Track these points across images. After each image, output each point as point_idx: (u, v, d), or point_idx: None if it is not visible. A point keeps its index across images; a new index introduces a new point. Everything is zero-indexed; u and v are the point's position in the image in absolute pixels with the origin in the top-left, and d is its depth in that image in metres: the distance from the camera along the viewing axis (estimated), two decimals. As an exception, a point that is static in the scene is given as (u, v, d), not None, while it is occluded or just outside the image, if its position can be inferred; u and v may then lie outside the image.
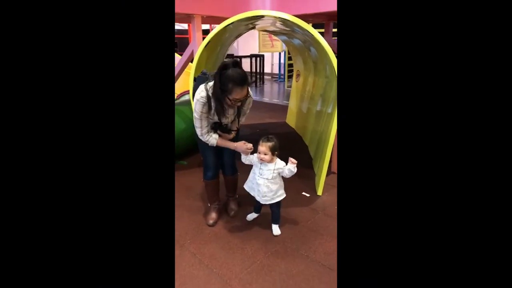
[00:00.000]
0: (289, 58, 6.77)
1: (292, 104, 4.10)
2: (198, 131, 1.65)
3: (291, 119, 4.08)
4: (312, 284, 1.40)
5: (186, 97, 3.38)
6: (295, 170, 1.62)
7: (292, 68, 5.32)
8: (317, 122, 2.79)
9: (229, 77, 1.44)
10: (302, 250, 1.65)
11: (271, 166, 1.65)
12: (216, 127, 1.71)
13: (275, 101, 5.80)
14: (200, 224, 1.88)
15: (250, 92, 1.67)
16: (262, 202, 1.73)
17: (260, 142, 1.63)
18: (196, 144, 1.83)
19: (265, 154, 1.61)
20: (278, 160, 1.67)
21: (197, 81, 1.70)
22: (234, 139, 1.80)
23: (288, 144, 3.34)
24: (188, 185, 2.36)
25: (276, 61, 8.39)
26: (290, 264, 1.54)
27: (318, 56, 2.64)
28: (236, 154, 1.83)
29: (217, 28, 2.03)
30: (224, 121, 1.69)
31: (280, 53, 7.64)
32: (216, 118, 1.65)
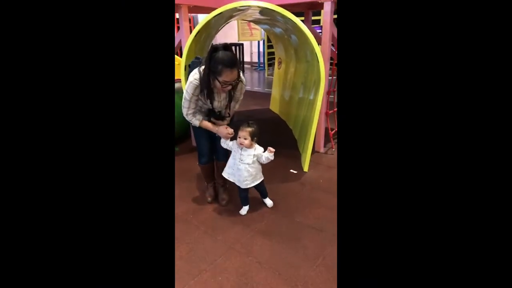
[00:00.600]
0: (269, 47, 6.89)
1: (275, 92, 4.28)
2: (184, 111, 1.71)
3: (274, 105, 4.27)
4: (304, 242, 1.62)
5: (176, 85, 3.46)
6: (272, 157, 1.74)
7: (272, 56, 5.47)
8: (300, 107, 2.99)
9: (218, 59, 1.49)
10: (295, 216, 1.86)
11: (251, 151, 1.75)
12: (209, 114, 1.78)
13: (256, 89, 5.95)
14: (200, 203, 2.04)
15: (243, 78, 1.72)
16: (242, 187, 1.82)
17: (241, 127, 1.71)
18: (186, 131, 1.86)
19: (244, 139, 1.70)
20: (257, 146, 1.77)
21: (191, 66, 1.78)
22: (229, 126, 1.85)
23: (274, 127, 3.54)
24: (183, 169, 2.50)
25: (255, 49, 8.48)
26: (285, 229, 1.75)
27: (299, 43, 2.82)
28: None
29: (206, 18, 2.14)
30: (216, 105, 1.74)
31: (259, 42, 7.74)
32: (208, 103, 1.70)
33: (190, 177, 2.39)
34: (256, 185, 1.86)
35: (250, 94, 5.44)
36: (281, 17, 2.22)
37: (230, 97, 1.76)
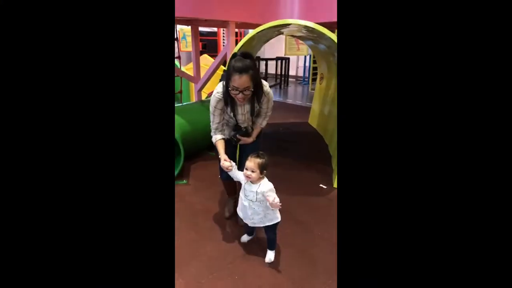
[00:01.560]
0: (314, 62, 6.95)
1: (315, 106, 4.30)
2: (211, 125, 1.67)
3: (313, 120, 4.28)
4: (320, 255, 1.63)
5: None
6: (275, 209, 1.48)
7: (316, 71, 5.50)
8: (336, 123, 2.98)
9: (230, 65, 1.46)
10: (317, 230, 1.87)
11: (254, 187, 1.48)
12: (235, 130, 1.71)
13: (298, 102, 6.01)
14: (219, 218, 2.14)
15: (267, 89, 1.62)
16: (250, 225, 1.61)
17: (249, 157, 1.49)
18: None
19: (252, 172, 1.45)
20: (264, 182, 1.49)
21: (221, 79, 1.77)
22: (255, 145, 1.78)
23: (310, 141, 3.56)
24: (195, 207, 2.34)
25: (301, 64, 8.58)
26: (305, 241, 1.77)
27: (340, 61, 2.84)
28: None
29: (249, 34, 2.30)
30: (240, 119, 1.68)
31: (305, 57, 7.83)
32: (232, 116, 1.65)
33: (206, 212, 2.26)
34: (266, 227, 1.58)
35: (290, 106, 5.53)
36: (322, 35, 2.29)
37: (253, 110, 1.66)
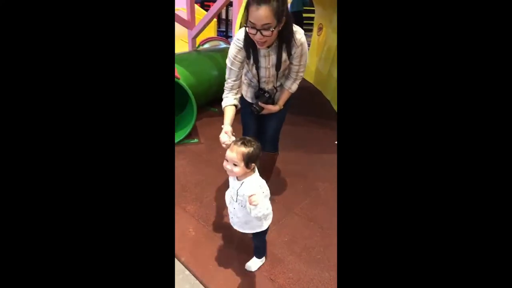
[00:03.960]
0: (306, 11, 6.22)
1: (310, 61, 4.12)
2: (225, 83, 1.34)
3: (308, 75, 4.13)
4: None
5: (222, 45, 3.34)
6: (254, 210, 1.03)
7: (309, 22, 5.11)
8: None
9: None
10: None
11: (236, 184, 1.09)
12: (258, 95, 1.38)
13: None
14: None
15: (301, 38, 1.21)
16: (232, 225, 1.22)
17: (231, 145, 1.07)
18: None
19: (234, 165, 1.03)
20: (250, 180, 1.07)
21: (241, 25, 1.49)
22: (281, 116, 1.45)
23: (309, 96, 3.45)
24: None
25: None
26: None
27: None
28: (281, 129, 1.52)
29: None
30: (264, 75, 1.32)
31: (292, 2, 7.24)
32: (254, 71, 1.31)
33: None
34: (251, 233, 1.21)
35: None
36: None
37: (279, 64, 1.26)
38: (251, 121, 1.46)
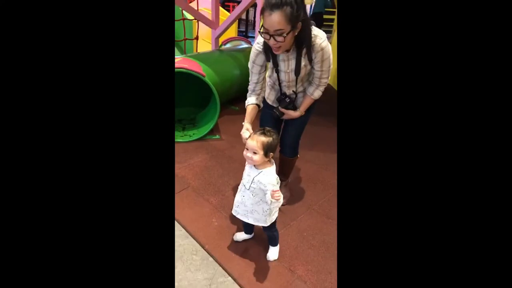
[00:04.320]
0: (328, 13, 6.14)
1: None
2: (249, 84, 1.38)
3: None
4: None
5: (243, 45, 3.41)
6: (275, 203, 1.10)
7: (329, 23, 5.11)
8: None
9: None
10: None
11: (253, 172, 1.16)
12: (280, 100, 1.38)
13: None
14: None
15: (321, 42, 1.17)
16: (232, 213, 1.29)
17: (252, 134, 1.15)
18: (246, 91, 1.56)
19: (254, 153, 1.11)
20: (268, 171, 1.15)
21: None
22: (301, 122, 1.44)
23: (326, 95, 3.46)
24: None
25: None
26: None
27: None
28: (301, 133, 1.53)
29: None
30: (284, 79, 1.32)
31: (311, 5, 7.27)
32: (274, 75, 1.32)
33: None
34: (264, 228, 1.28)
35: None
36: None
37: (298, 69, 1.24)
38: (269, 124, 1.40)
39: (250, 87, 1.36)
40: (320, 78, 1.29)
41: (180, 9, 3.21)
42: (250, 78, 1.35)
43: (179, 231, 1.47)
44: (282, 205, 1.32)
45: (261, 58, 1.26)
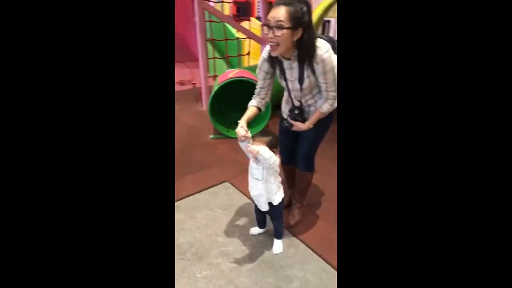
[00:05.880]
0: None
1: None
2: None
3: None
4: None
5: None
6: (261, 158, 1.24)
7: None
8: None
9: None
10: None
11: (255, 162, 1.32)
12: (291, 110, 1.43)
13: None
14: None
15: (322, 54, 1.18)
16: (262, 209, 1.44)
17: (255, 137, 1.32)
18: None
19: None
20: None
21: None
22: (311, 136, 1.45)
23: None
24: None
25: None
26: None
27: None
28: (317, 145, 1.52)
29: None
30: (291, 88, 1.36)
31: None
32: (283, 82, 1.39)
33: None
34: (271, 215, 1.48)
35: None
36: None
37: (301, 78, 1.27)
38: (283, 137, 1.53)
39: (256, 91, 1.45)
40: (327, 91, 1.29)
41: (235, 30, 3.78)
42: (258, 83, 1.44)
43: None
44: (290, 225, 1.58)
45: (266, 65, 1.35)
